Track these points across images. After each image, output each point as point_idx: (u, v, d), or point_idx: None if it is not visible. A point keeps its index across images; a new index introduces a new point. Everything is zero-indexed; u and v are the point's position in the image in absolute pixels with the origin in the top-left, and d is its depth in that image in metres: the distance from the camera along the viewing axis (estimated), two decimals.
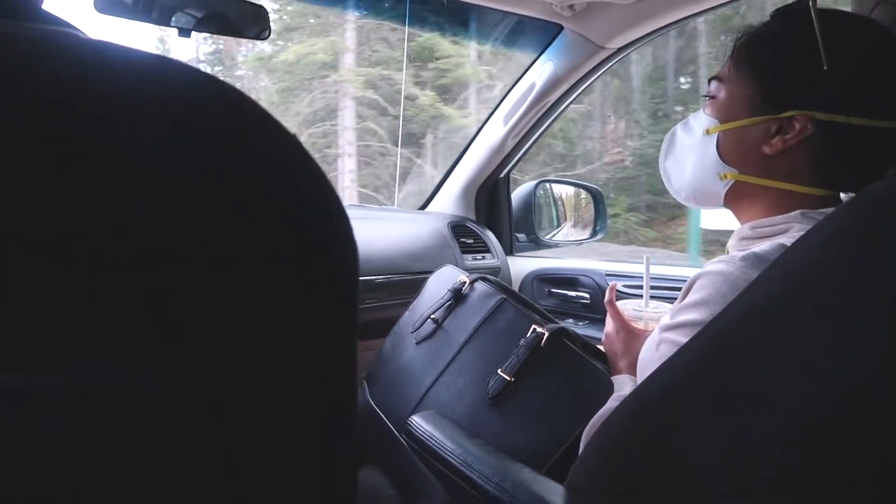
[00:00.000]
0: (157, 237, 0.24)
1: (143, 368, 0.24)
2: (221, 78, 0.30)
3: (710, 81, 0.83)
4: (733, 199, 0.81)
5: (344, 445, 0.33)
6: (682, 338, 0.68)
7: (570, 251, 2.17)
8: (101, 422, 0.23)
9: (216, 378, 0.26)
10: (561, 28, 1.58)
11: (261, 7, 1.20)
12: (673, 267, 1.61)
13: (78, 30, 0.31)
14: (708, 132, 0.80)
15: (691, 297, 0.70)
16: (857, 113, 0.69)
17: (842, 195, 0.76)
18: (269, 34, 1.24)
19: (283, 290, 0.28)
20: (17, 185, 0.22)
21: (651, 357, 0.73)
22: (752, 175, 0.77)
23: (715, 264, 0.69)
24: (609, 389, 0.93)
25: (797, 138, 0.72)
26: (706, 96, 0.83)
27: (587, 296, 1.73)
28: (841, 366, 0.30)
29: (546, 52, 1.66)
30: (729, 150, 0.78)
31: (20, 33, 0.25)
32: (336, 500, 0.33)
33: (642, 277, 1.09)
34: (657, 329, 0.74)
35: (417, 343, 1.20)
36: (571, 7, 1.42)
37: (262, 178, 0.28)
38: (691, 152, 0.83)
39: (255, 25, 1.24)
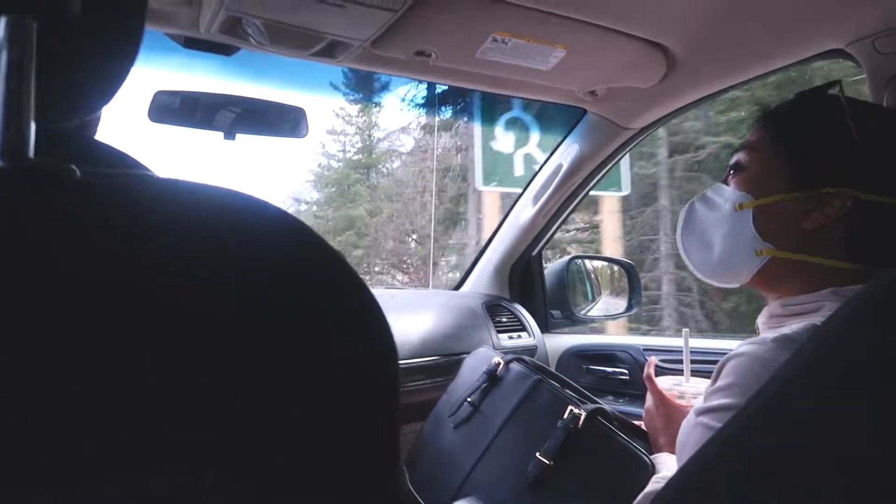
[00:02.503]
0: (231, 361, 0.27)
1: (205, 467, 0.26)
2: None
3: (734, 153, 0.83)
4: (765, 276, 0.79)
5: None
6: (716, 422, 0.67)
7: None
8: None
9: (274, 475, 0.28)
10: (585, 112, 1.64)
11: (300, 109, 1.28)
12: (712, 340, 1.58)
13: (147, 169, 0.35)
14: (741, 206, 0.78)
15: (724, 381, 0.69)
16: (892, 192, 0.71)
17: None
18: (307, 133, 1.32)
19: (330, 396, 0.31)
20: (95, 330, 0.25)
21: (687, 441, 0.72)
22: (789, 251, 0.76)
23: (747, 346, 0.69)
24: (649, 470, 0.91)
25: (837, 213, 0.72)
26: (730, 167, 0.83)
27: (626, 371, 1.71)
28: (877, 447, 0.30)
29: (571, 134, 1.72)
30: (767, 226, 0.77)
31: (95, 182, 0.29)
32: None
33: (681, 351, 1.08)
34: (692, 412, 0.74)
35: (455, 427, 1.20)
36: (593, 93, 1.48)
37: (313, 290, 0.31)
38: (719, 228, 0.81)
39: (293, 125, 1.32)
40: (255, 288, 0.29)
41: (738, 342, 0.73)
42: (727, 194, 0.81)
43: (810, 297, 0.73)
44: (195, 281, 0.27)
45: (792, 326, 0.69)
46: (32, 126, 0.28)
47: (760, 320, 0.80)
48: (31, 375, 0.23)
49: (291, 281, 0.31)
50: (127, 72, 0.36)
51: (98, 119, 0.44)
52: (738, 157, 0.82)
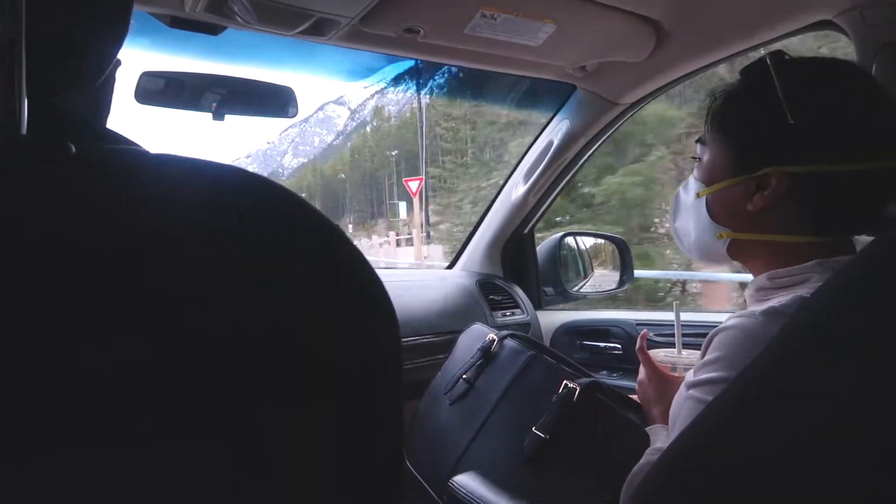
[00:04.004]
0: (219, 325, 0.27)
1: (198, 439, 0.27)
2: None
3: (697, 144, 0.86)
4: (737, 255, 0.82)
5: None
6: (707, 395, 0.68)
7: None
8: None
9: (275, 441, 0.28)
10: (574, 87, 1.63)
11: (289, 89, 1.27)
12: (704, 313, 1.60)
13: (139, 146, 0.35)
14: (698, 195, 0.83)
15: (713, 354, 0.70)
16: (828, 160, 0.71)
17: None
18: (297, 113, 1.31)
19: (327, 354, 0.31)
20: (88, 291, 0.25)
21: (678, 414, 0.73)
22: (745, 232, 0.79)
23: (735, 319, 0.70)
24: (644, 442, 0.93)
25: (775, 193, 0.74)
26: (694, 158, 0.86)
27: (619, 346, 1.73)
28: (871, 414, 0.30)
29: (561, 110, 1.71)
30: (718, 211, 0.81)
31: (92, 155, 0.29)
32: None
33: (673, 325, 1.09)
34: (682, 385, 0.74)
35: (451, 404, 1.21)
36: (583, 68, 1.47)
37: (306, 257, 0.31)
38: (690, 214, 0.86)
39: (282, 105, 1.31)
40: (252, 260, 0.29)
41: (727, 315, 0.73)
42: (691, 184, 0.86)
43: (796, 270, 0.73)
44: (190, 253, 0.28)
45: (779, 299, 0.69)
46: (25, 102, 0.28)
47: (747, 293, 0.81)
48: (26, 352, 0.23)
49: (290, 253, 0.31)
50: (117, 45, 0.36)
51: (107, 97, 0.44)
52: (697, 147, 0.85)
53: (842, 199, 0.73)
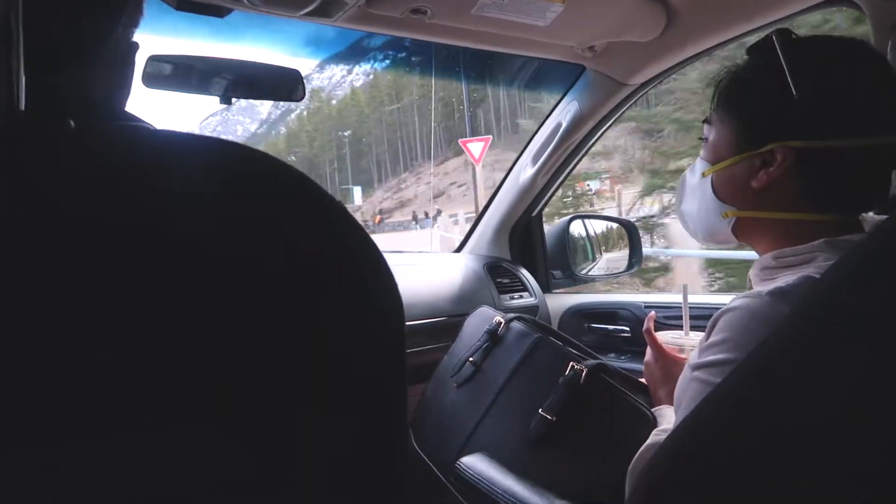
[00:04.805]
0: (219, 300, 0.27)
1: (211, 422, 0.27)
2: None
3: (703, 124, 0.85)
4: (743, 234, 0.82)
5: (395, 492, 0.35)
6: (712, 377, 0.67)
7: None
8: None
9: (276, 425, 0.28)
10: (583, 68, 1.61)
11: (295, 71, 1.27)
12: (711, 295, 1.59)
13: (147, 123, 0.35)
14: (704, 174, 0.83)
15: (718, 336, 0.69)
16: (834, 135, 0.70)
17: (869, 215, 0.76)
18: (304, 96, 1.30)
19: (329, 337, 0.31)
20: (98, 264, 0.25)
21: (683, 396, 0.73)
22: (750, 210, 0.79)
23: (741, 300, 0.69)
24: (651, 423, 0.93)
25: (780, 169, 0.74)
26: (701, 138, 0.86)
27: (627, 329, 1.72)
28: (880, 394, 0.30)
29: (570, 92, 1.70)
30: (723, 190, 0.81)
31: (100, 130, 0.29)
32: None
33: (681, 307, 1.09)
34: (686, 367, 0.74)
35: (458, 386, 1.21)
36: (592, 48, 1.45)
37: (312, 239, 0.31)
38: (695, 195, 0.86)
39: (289, 88, 1.30)
40: (254, 238, 0.29)
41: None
42: (697, 164, 0.86)
43: (803, 249, 0.72)
44: (190, 229, 0.27)
45: (786, 278, 0.69)
46: (23, 80, 0.28)
47: (752, 273, 0.80)
48: (30, 334, 0.23)
49: (293, 231, 0.31)
50: (114, 23, 0.35)
51: (128, 85, 0.44)
52: (704, 128, 0.85)
53: (847, 175, 0.72)
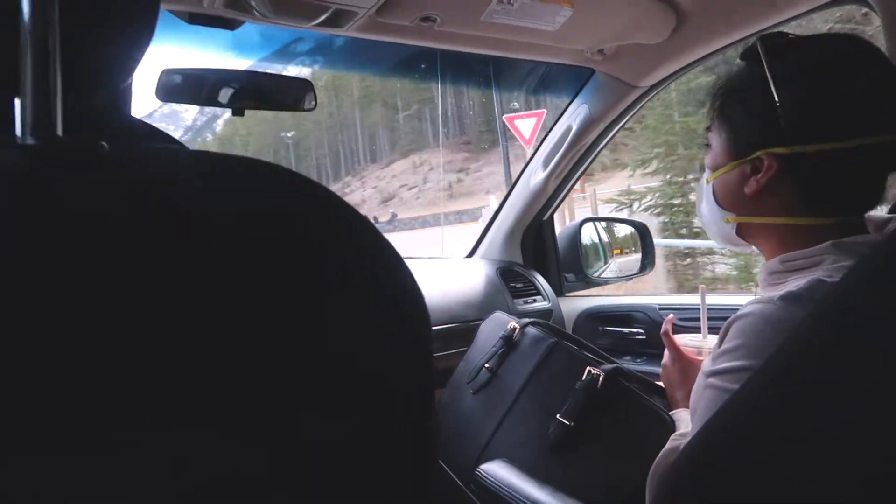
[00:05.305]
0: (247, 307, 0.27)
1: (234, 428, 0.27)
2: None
3: (707, 132, 0.86)
4: (748, 238, 0.83)
5: (418, 496, 0.35)
6: (728, 384, 0.67)
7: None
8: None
9: (277, 425, 0.28)
10: (593, 71, 1.61)
11: (306, 81, 1.27)
12: (729, 296, 1.58)
13: (178, 143, 0.36)
14: (707, 181, 0.85)
15: (731, 342, 0.69)
16: (815, 140, 0.70)
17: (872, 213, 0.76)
18: (315, 105, 1.31)
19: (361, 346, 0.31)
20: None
21: (698, 404, 0.73)
22: (748, 215, 0.80)
23: (753, 306, 0.69)
24: (669, 427, 0.92)
25: (766, 176, 0.74)
26: (707, 144, 0.86)
27: (642, 331, 1.72)
28: (889, 394, 0.30)
29: (580, 95, 1.70)
30: (722, 196, 0.82)
31: (124, 156, 0.29)
32: None
33: (698, 309, 1.08)
34: (700, 374, 0.74)
35: (474, 393, 1.21)
36: (601, 52, 1.45)
37: (343, 258, 0.31)
38: (704, 200, 0.87)
39: (300, 98, 1.31)
40: (285, 262, 0.29)
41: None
42: (706, 171, 0.87)
43: (810, 252, 0.72)
44: (222, 253, 0.28)
45: (795, 282, 0.68)
46: (59, 103, 0.29)
47: (760, 277, 0.80)
48: (48, 352, 0.24)
49: (324, 251, 0.31)
50: (147, 43, 0.36)
51: (130, 94, 0.45)
52: (708, 135, 0.86)
53: (841, 178, 0.72)
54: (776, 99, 0.71)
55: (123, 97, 0.43)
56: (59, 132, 0.29)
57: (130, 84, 0.45)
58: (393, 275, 0.34)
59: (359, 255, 0.33)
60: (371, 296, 0.33)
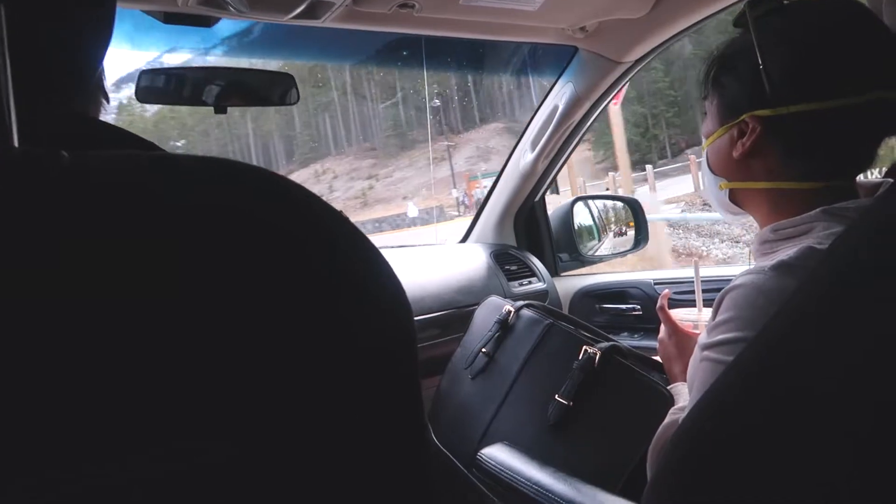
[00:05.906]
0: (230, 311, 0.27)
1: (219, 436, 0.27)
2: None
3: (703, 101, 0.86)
4: (741, 205, 0.83)
5: (419, 487, 0.35)
6: (723, 356, 0.68)
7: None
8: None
9: (280, 429, 0.28)
10: (576, 50, 1.60)
11: (288, 76, 1.26)
12: (723, 268, 1.59)
13: (152, 146, 0.35)
14: (702, 149, 0.86)
15: (725, 314, 0.69)
16: (800, 100, 0.70)
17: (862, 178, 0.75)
18: (298, 100, 1.30)
19: (334, 348, 0.31)
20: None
21: (695, 377, 0.73)
22: (737, 181, 0.81)
23: (745, 277, 0.69)
24: (668, 401, 0.93)
25: (751, 139, 0.75)
26: (704, 114, 0.87)
27: (638, 307, 1.72)
28: (889, 363, 0.30)
29: (564, 74, 1.69)
30: (713, 162, 0.84)
31: (83, 164, 0.29)
32: None
33: (692, 283, 1.08)
34: (696, 347, 0.74)
35: (472, 378, 1.22)
36: (583, 29, 1.44)
37: (318, 254, 0.31)
38: (702, 170, 0.88)
39: (282, 93, 1.30)
40: (261, 264, 0.29)
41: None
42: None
43: (800, 220, 0.72)
44: (194, 260, 0.27)
45: (786, 251, 0.68)
46: (13, 112, 0.28)
47: (753, 247, 0.80)
48: (30, 370, 0.23)
49: (301, 254, 0.31)
50: (106, 43, 0.35)
51: (97, 98, 0.44)
52: (705, 104, 0.86)
53: (824, 140, 0.72)
54: (759, 61, 0.71)
55: (87, 101, 0.42)
56: (16, 143, 0.28)
57: (96, 87, 0.44)
58: (371, 268, 0.34)
59: (333, 250, 0.33)
60: (349, 290, 0.32)
